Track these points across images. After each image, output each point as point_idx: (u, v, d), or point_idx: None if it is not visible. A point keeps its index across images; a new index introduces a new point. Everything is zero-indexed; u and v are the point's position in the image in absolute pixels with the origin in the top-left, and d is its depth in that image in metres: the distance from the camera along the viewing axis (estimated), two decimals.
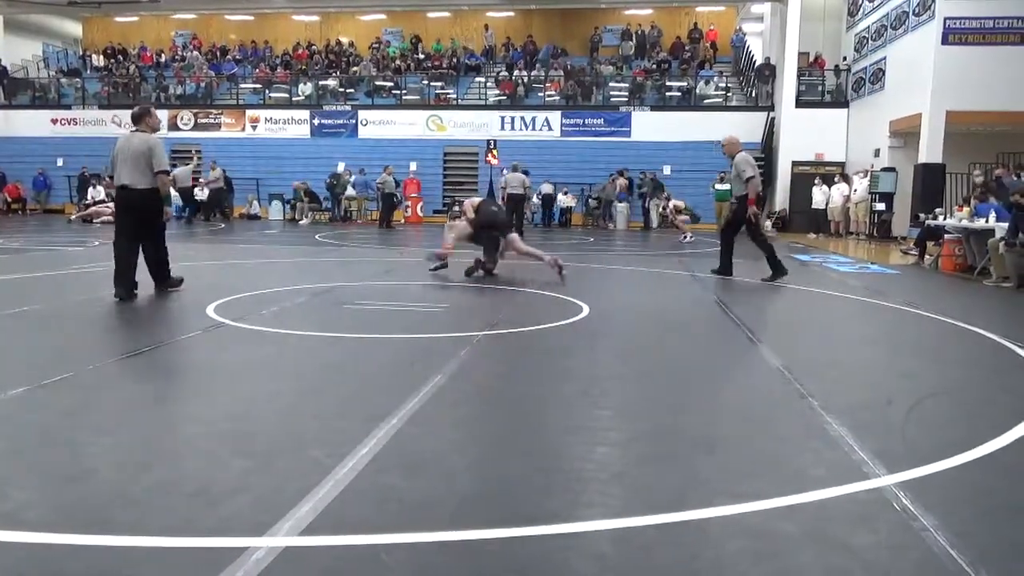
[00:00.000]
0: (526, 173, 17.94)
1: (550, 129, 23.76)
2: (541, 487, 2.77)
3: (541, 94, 24.83)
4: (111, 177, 7.26)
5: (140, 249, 7.12)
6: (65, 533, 2.29)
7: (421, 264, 9.68)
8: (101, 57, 28.83)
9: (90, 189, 22.76)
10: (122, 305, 6.69)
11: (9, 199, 24.10)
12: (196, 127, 24.64)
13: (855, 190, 18.74)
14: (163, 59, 28.41)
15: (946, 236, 11.39)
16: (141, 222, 7.07)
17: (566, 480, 2.86)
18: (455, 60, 26.63)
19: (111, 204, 19.84)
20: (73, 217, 19.75)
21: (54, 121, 25.83)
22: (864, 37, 20.71)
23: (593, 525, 2.46)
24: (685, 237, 16.12)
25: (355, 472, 2.81)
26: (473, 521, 2.48)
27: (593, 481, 2.85)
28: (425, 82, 25.53)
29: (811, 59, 22.63)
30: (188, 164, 20.79)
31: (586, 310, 6.72)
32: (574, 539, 2.38)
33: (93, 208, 19.58)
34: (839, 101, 21.72)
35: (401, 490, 2.69)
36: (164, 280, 7.34)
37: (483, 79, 25.85)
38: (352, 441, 3.11)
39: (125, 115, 24.58)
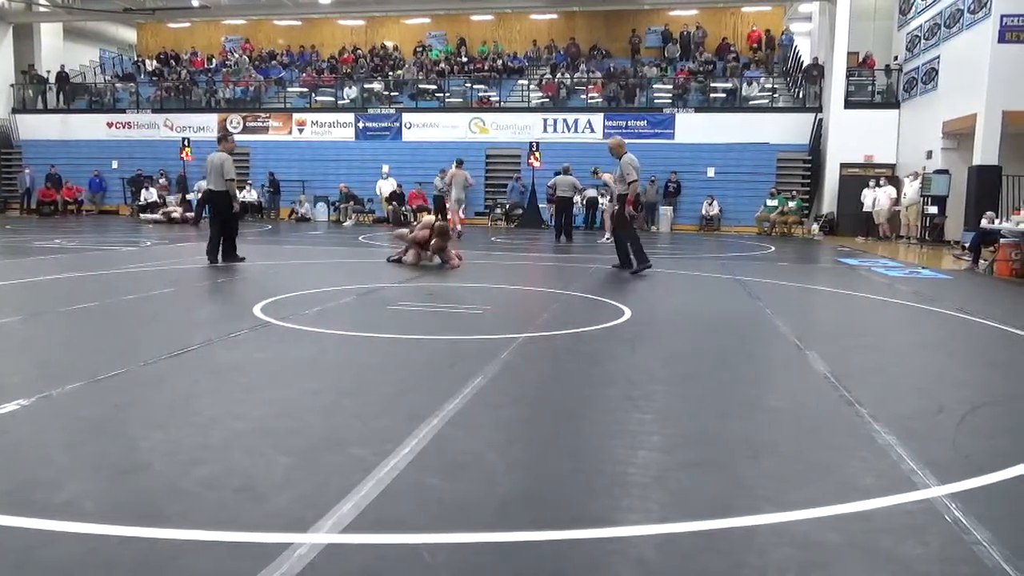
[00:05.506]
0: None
1: (592, 131, 23.64)
2: (583, 490, 2.77)
3: (584, 96, 24.74)
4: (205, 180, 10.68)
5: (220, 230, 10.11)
6: (117, 524, 2.36)
7: (462, 267, 9.81)
8: (154, 62, 29.60)
9: (143, 191, 23.40)
10: (175, 302, 7.15)
11: (66, 200, 24.88)
12: (245, 130, 25.09)
13: (905, 193, 18.30)
14: (213, 64, 29.04)
15: (1002, 240, 11.12)
16: (218, 212, 10.20)
17: (608, 483, 2.85)
18: (499, 63, 26.68)
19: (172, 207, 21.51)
20: (159, 214, 21.47)
21: (109, 125, 26.61)
22: (916, 36, 20.20)
23: (635, 530, 2.45)
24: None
25: (396, 471, 2.84)
26: (514, 523, 2.49)
27: (635, 485, 2.83)
28: (468, 85, 25.65)
29: (860, 59, 22.13)
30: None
31: (628, 313, 6.68)
32: (616, 543, 2.37)
33: (168, 209, 21.89)
34: (890, 102, 21.21)
35: (442, 490, 2.71)
36: (231, 254, 10.20)
37: (525, 81, 25.87)
38: (393, 440, 3.14)
39: (177, 118, 25.76)
